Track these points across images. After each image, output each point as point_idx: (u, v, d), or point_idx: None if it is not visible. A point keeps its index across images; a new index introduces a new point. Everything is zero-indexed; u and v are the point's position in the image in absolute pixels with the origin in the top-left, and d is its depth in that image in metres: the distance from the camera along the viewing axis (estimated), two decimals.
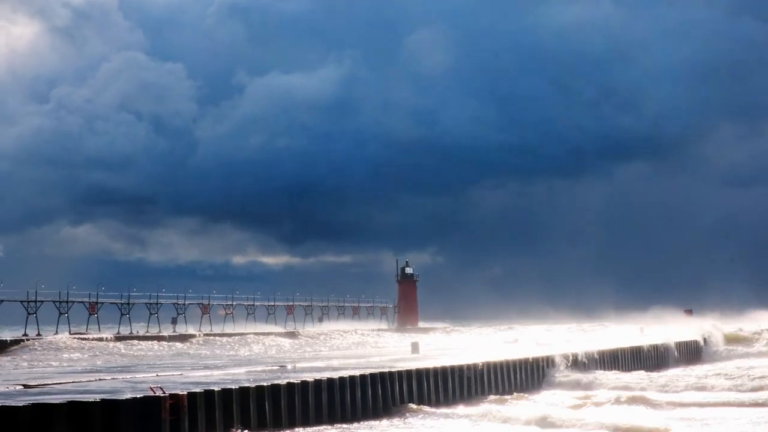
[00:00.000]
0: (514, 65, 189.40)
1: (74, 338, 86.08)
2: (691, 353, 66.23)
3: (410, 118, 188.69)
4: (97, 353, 74.59)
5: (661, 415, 32.05)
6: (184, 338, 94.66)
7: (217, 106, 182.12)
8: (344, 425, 29.25)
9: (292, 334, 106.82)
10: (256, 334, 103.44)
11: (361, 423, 29.92)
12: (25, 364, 56.64)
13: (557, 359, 44.50)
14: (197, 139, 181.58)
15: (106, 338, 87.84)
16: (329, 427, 28.67)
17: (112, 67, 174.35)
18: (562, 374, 43.44)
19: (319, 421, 28.85)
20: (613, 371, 48.10)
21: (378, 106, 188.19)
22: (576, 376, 43.60)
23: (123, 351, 77.75)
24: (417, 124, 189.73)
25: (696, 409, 33.77)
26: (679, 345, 63.96)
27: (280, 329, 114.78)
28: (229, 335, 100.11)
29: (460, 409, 33.05)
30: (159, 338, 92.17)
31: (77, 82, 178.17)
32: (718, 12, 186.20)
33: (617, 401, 35.25)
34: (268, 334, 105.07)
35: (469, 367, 37.63)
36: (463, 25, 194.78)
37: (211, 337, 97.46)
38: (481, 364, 38.52)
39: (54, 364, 56.06)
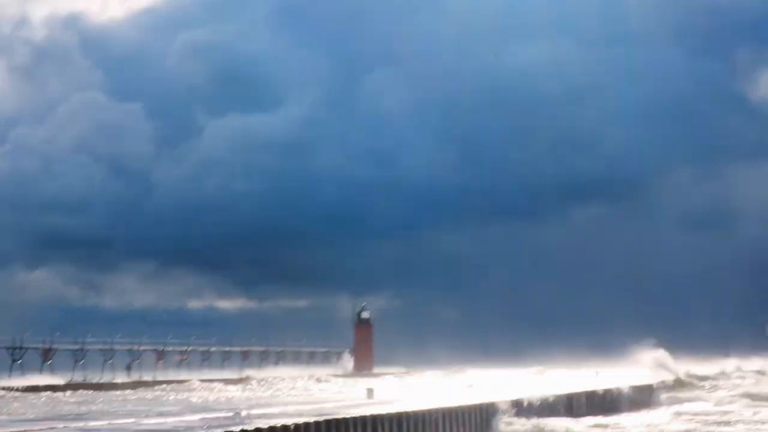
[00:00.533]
0: (472, 106, 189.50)
1: (26, 386, 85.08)
2: (645, 397, 66.52)
3: (368, 159, 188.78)
4: (50, 401, 73.62)
5: None
6: (138, 385, 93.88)
7: (175, 147, 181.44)
8: None
9: (247, 380, 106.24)
10: (210, 380, 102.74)
11: None
12: None
13: (506, 405, 44.29)
14: (154, 182, 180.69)
15: (59, 386, 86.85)
16: None
17: (70, 107, 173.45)
18: (513, 420, 43.32)
19: None
20: (566, 417, 48.30)
21: (336, 147, 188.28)
22: (528, 421, 43.54)
23: (76, 399, 76.79)
24: (375, 166, 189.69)
25: None
26: (633, 389, 64.19)
27: (235, 375, 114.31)
28: (184, 381, 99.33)
29: None
30: (113, 385, 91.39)
31: (35, 123, 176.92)
32: (676, 53, 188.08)
33: None
34: (223, 380, 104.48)
35: (423, 413, 37.65)
36: (421, 66, 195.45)
37: (165, 384, 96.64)
38: (433, 409, 38.56)
39: (4, 411, 55.26)
